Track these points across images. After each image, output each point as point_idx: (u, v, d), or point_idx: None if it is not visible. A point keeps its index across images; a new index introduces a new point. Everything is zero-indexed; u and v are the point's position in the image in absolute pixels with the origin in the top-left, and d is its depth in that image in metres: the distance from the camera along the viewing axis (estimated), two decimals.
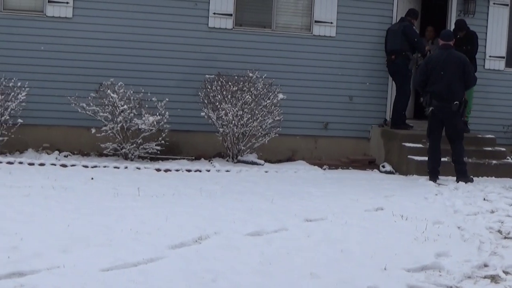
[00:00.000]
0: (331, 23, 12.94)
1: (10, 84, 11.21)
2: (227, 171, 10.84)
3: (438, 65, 10.92)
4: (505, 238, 7.43)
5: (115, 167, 10.51)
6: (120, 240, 6.06)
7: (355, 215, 7.95)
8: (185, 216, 7.22)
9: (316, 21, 12.90)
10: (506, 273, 6.11)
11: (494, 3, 13.77)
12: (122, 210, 7.34)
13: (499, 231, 7.67)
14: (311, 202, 8.63)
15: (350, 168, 12.33)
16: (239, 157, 11.66)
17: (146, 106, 11.36)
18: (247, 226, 6.94)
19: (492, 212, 8.66)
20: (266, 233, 6.78)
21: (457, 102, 10.76)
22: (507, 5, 13.83)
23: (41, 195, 7.92)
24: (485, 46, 13.68)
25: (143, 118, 11.13)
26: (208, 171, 10.81)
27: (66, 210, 7.13)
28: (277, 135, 11.89)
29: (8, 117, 11.07)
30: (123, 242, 6.01)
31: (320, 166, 12.11)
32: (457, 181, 10.80)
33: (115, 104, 11.03)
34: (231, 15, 12.51)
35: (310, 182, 10.35)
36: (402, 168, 11.81)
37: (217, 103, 11.47)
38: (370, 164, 12.73)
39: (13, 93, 11.12)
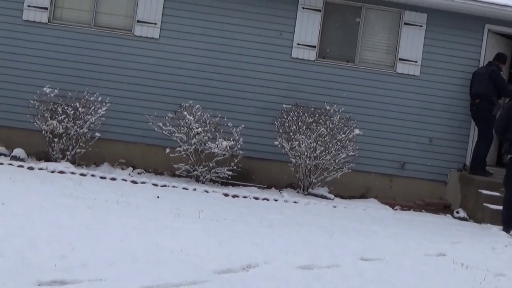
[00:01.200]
0: (416, 62, 12.78)
1: (92, 98, 11.54)
2: (295, 202, 10.78)
3: None
4: None
5: (183, 188, 10.61)
6: (168, 260, 6.09)
7: (414, 258, 7.78)
8: (240, 243, 7.20)
9: (400, 59, 12.77)
10: None
11: None
12: (179, 230, 7.39)
13: None
14: (372, 241, 8.47)
15: (423, 211, 12.06)
16: (309, 190, 11.58)
17: (222, 130, 11.47)
18: (300, 259, 6.87)
19: None
20: (318, 267, 6.69)
21: None
22: None
23: (104, 209, 8.07)
24: None
25: (217, 142, 11.23)
26: (276, 200, 10.77)
27: (123, 225, 7.23)
28: (350, 170, 11.76)
29: (87, 130, 11.39)
30: (170, 262, 6.03)
31: (392, 206, 11.91)
32: None
33: (191, 126, 11.19)
34: (314, 46, 12.52)
35: (377, 221, 10.17)
36: (477, 215, 11.48)
37: (292, 133, 11.46)
38: (444, 208, 12.41)
39: (93, 107, 11.42)
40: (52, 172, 10.50)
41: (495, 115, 12.23)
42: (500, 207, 10.85)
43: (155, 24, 12.21)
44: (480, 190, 11.68)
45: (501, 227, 10.61)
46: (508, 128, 10.72)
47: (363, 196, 12.49)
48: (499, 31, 13.21)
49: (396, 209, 11.80)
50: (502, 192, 11.06)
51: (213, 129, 11.38)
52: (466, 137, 12.91)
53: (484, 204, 11.38)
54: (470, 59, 12.95)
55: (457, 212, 11.74)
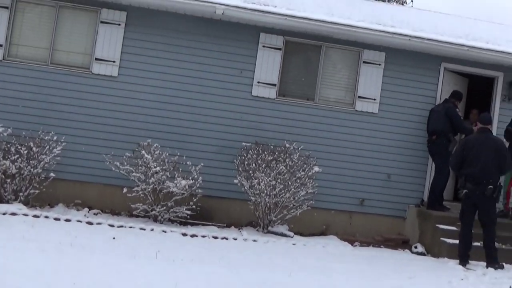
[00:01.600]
0: (374, 99, 12.97)
1: (47, 138, 11.43)
2: (254, 241, 10.79)
3: (474, 148, 10.83)
4: None
5: (141, 229, 10.51)
6: None
7: None
8: (196, 283, 7.20)
9: (359, 97, 12.95)
10: None
11: None
12: (134, 272, 7.36)
13: None
14: (331, 279, 8.52)
15: (382, 246, 12.15)
16: (269, 228, 11.61)
17: (180, 169, 11.46)
18: None
19: None
20: None
21: (491, 187, 10.61)
22: None
23: (57, 251, 7.98)
24: None
25: (176, 181, 11.23)
26: (235, 239, 10.77)
27: (76, 269, 7.17)
28: (310, 208, 11.82)
29: (41, 170, 11.24)
30: None
31: (352, 242, 11.98)
32: (487, 267, 10.55)
33: (149, 165, 11.17)
34: (275, 85, 12.65)
35: (336, 258, 10.23)
36: (434, 250, 11.59)
37: (251, 172, 11.51)
38: (403, 244, 12.52)
39: (48, 147, 11.32)
40: (4, 214, 10.28)
41: (451, 151, 12.41)
42: (457, 241, 10.97)
43: (114, 62, 12.23)
44: (437, 225, 11.81)
45: (458, 261, 10.73)
46: (463, 164, 10.92)
47: (323, 233, 12.55)
48: (454, 69, 13.50)
49: (356, 246, 11.87)
50: (459, 227, 11.19)
51: (171, 168, 11.38)
52: (424, 173, 13.10)
53: (441, 238, 11.50)
54: (427, 96, 13.19)
55: (415, 247, 11.85)
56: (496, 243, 10.90)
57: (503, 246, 11.41)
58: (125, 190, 11.35)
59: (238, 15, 12.19)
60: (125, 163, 11.37)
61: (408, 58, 13.11)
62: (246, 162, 11.66)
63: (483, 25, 15.97)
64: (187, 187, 11.26)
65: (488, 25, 16.09)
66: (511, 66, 13.34)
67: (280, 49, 12.69)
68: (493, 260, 10.65)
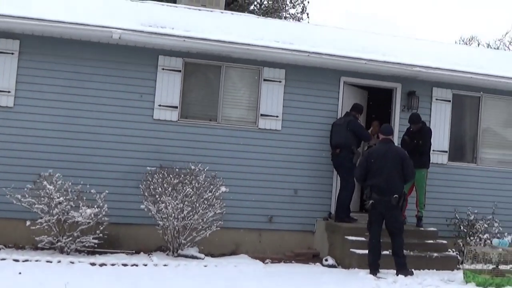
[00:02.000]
0: (277, 116, 13.04)
1: None
2: (165, 265, 10.62)
3: (377, 159, 11.05)
4: None
5: (47, 261, 10.15)
6: None
7: None
8: None
9: (262, 115, 13.00)
10: None
11: (436, 99, 14.06)
12: None
13: None
14: None
15: (293, 262, 12.19)
16: (179, 251, 11.46)
17: (85, 198, 11.18)
18: None
19: None
20: None
21: (396, 196, 10.83)
22: (450, 101, 14.12)
23: None
24: None
25: (81, 211, 10.95)
26: (145, 265, 10.57)
27: None
28: (219, 228, 11.73)
29: None
30: None
31: (263, 260, 11.97)
32: (397, 274, 10.76)
33: (51, 196, 10.87)
34: (176, 107, 12.55)
35: (248, 277, 10.18)
36: (345, 261, 11.71)
37: (158, 196, 11.36)
38: (314, 257, 12.61)
39: None
40: None
41: (355, 163, 12.60)
42: (366, 252, 11.12)
43: (9, 92, 11.83)
44: (346, 237, 11.94)
45: (368, 270, 10.87)
46: (368, 175, 11.10)
47: (233, 252, 12.49)
48: (354, 82, 13.75)
49: (267, 263, 11.87)
50: (367, 237, 11.35)
51: (75, 197, 11.08)
52: (330, 186, 13.26)
53: (351, 249, 11.63)
54: (328, 110, 13.37)
55: (326, 260, 11.95)
56: (404, 250, 11.11)
57: (411, 253, 11.66)
58: (28, 223, 10.99)
59: (136, 38, 12.07)
60: (27, 195, 11.00)
61: (308, 74, 13.27)
62: (152, 187, 11.50)
63: (380, 38, 16.39)
64: (92, 215, 11.00)
65: (384, 38, 16.52)
66: (408, 77, 13.71)
67: (180, 71, 12.62)
68: (403, 267, 10.86)
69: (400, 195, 10.93)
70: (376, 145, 11.96)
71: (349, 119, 12.83)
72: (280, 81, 13.12)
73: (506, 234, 13.20)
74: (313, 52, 12.86)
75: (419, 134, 13.03)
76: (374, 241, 11.00)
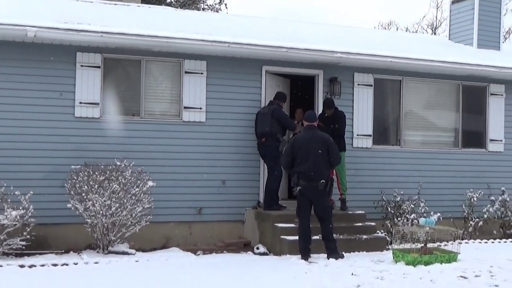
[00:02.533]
0: (201, 108, 12.99)
1: None
2: (96, 263, 10.45)
3: (303, 146, 11.12)
4: None
5: None
6: None
7: None
8: None
9: (185, 107, 12.92)
10: None
11: (358, 84, 14.23)
12: None
13: None
14: None
15: (224, 252, 12.22)
16: (109, 248, 11.31)
17: (9, 200, 10.88)
18: None
19: (358, 286, 8.75)
20: None
21: (323, 181, 10.93)
22: (371, 85, 14.32)
23: None
24: (352, 125, 14.06)
25: (5, 213, 10.68)
26: (76, 264, 10.38)
27: None
28: (149, 223, 11.62)
29: None
30: None
31: (195, 252, 11.95)
32: (328, 258, 10.87)
33: None
34: (98, 104, 12.37)
35: (181, 269, 10.12)
36: (276, 248, 11.76)
37: (84, 194, 11.16)
38: (245, 246, 12.65)
39: None
40: None
41: (281, 151, 12.66)
42: (297, 238, 11.19)
43: None
44: (275, 224, 12.00)
45: (299, 256, 10.94)
46: (294, 162, 11.16)
47: (164, 246, 12.42)
48: (276, 71, 13.80)
49: (199, 254, 11.85)
50: (297, 223, 11.42)
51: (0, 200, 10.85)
52: (257, 175, 13.31)
53: (281, 236, 11.69)
54: (252, 100, 13.39)
55: (257, 248, 11.98)
56: (334, 234, 11.23)
57: (341, 236, 11.81)
58: None
59: (51, 36, 11.80)
60: None
61: (229, 64, 13.26)
62: (78, 185, 11.28)
63: (301, 26, 16.52)
64: (18, 217, 10.73)
65: (305, 26, 16.65)
66: (329, 63, 13.83)
67: (99, 67, 12.43)
68: (334, 251, 10.99)
69: (327, 180, 11.05)
70: (301, 132, 12.03)
71: (273, 108, 12.87)
72: (202, 73, 13.06)
73: (432, 213, 13.42)
74: (233, 43, 12.83)
75: (334, 119, 13.17)
76: (304, 227, 11.07)
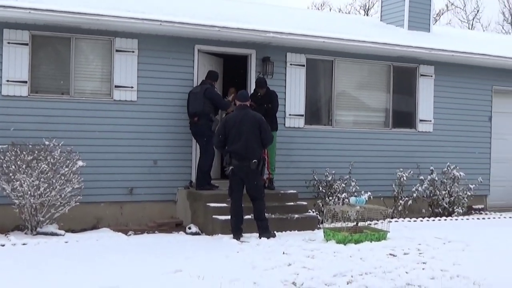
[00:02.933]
0: (132, 87, 12.82)
1: None
2: (24, 244, 10.22)
3: (235, 125, 11.10)
4: None
5: None
6: None
7: (152, 279, 7.74)
8: None
9: (116, 86, 12.73)
10: None
11: (291, 64, 14.25)
12: None
13: (294, 283, 7.76)
14: (108, 271, 8.28)
15: (156, 232, 12.15)
16: (38, 229, 11.11)
17: None
18: None
19: (290, 265, 8.75)
20: None
21: (256, 161, 10.93)
22: (304, 65, 14.35)
23: None
24: (285, 105, 14.08)
25: None
26: (3, 245, 10.13)
27: None
28: (79, 203, 11.46)
29: None
30: None
31: (126, 232, 11.84)
32: (260, 237, 10.91)
33: None
34: (26, 82, 12.08)
35: (112, 250, 9.98)
36: (208, 228, 11.73)
37: (11, 174, 10.92)
38: (177, 226, 12.59)
39: None
40: None
41: (214, 131, 12.62)
42: (229, 217, 11.19)
43: None
44: (208, 204, 11.96)
45: (231, 235, 10.94)
46: (227, 142, 11.12)
47: (94, 227, 12.27)
48: (209, 50, 13.71)
49: (130, 235, 11.74)
50: (229, 203, 11.41)
51: None
52: (189, 155, 13.23)
53: (213, 216, 11.66)
54: (184, 79, 13.27)
55: (189, 228, 11.94)
56: (266, 214, 11.26)
57: (273, 216, 11.84)
58: None
59: None
60: None
61: (161, 43, 13.10)
62: (5, 165, 11.02)
63: (235, 5, 16.46)
64: None
65: (239, 5, 16.59)
66: (262, 43, 13.81)
67: (27, 44, 12.11)
68: (265, 230, 11.02)
69: (259, 160, 11.06)
70: (233, 111, 11.99)
71: (206, 87, 12.78)
72: (133, 51, 12.88)
73: (363, 192, 13.59)
74: (165, 21, 12.68)
75: (266, 98, 13.17)
76: (236, 206, 11.08)
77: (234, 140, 11.06)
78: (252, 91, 13.53)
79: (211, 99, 12.66)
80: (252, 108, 12.07)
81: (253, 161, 10.96)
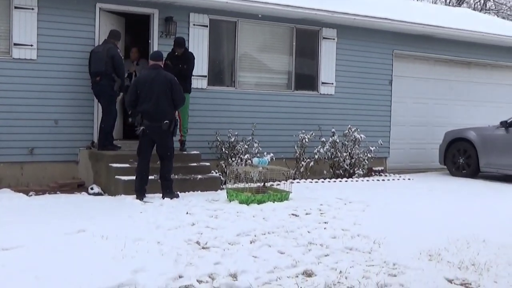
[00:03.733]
0: (32, 45, 12.50)
1: None
2: None
3: (146, 85, 11.06)
4: (202, 248, 7.62)
5: None
6: None
7: (55, 239, 7.68)
8: None
9: (15, 44, 12.38)
10: (199, 281, 6.26)
11: (194, 24, 14.19)
12: None
13: (197, 242, 7.85)
14: (10, 231, 8.15)
15: (58, 192, 11.98)
16: None
17: None
18: None
19: (193, 224, 8.85)
20: None
21: (167, 121, 10.94)
22: (207, 26, 14.32)
23: None
24: None
25: None
26: None
27: None
28: None
29: None
30: None
31: (27, 193, 11.63)
32: (163, 197, 10.96)
33: None
34: None
35: (12, 211, 9.81)
36: (111, 189, 11.68)
37: None
38: (79, 187, 12.47)
39: None
40: None
41: (116, 91, 12.50)
42: (132, 178, 11.19)
43: None
44: (110, 164, 11.89)
45: (135, 196, 10.95)
46: (138, 102, 11.07)
47: None
48: (110, 9, 13.47)
49: (31, 195, 11.54)
50: (132, 164, 11.42)
51: None
52: (91, 115, 13.04)
53: (116, 177, 11.61)
54: (86, 38, 13.01)
55: (92, 189, 11.87)
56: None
57: (176, 176, 11.86)
58: None
59: None
60: None
61: (62, 0, 12.79)
62: None
63: None
64: None
65: None
66: (165, 2, 13.68)
67: None
68: (170, 191, 11.08)
69: (171, 121, 11.06)
70: (145, 70, 11.88)
71: (109, 47, 12.59)
72: (32, 9, 12.51)
73: (265, 153, 13.76)
74: None
75: (183, 59, 13.11)
76: (143, 167, 11.08)
77: (145, 100, 11.01)
78: (153, 51, 13.38)
79: (112, 59, 12.49)
80: (167, 68, 12.03)
81: (165, 122, 10.96)
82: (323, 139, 15.24)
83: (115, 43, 12.79)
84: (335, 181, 14.70)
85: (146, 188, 11.06)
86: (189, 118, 13.59)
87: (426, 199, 12.44)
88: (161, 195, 11.08)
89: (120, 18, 14.12)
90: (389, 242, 8.15)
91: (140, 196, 10.90)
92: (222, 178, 12.81)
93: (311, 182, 14.28)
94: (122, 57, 13.04)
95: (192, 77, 13.64)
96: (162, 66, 11.56)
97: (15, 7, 12.39)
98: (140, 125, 11.08)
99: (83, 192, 11.91)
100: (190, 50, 13.86)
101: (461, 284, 6.62)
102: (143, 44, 14.17)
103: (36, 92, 12.55)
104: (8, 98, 12.31)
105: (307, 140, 14.83)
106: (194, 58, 13.38)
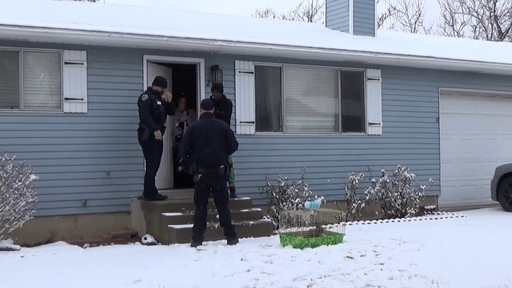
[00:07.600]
0: (82, 99, 12.78)
1: None
2: None
3: (202, 134, 11.26)
4: None
5: None
6: None
7: None
8: None
9: (66, 98, 12.67)
10: None
11: (239, 72, 14.36)
12: None
13: None
14: (69, 283, 8.27)
15: (112, 243, 12.09)
16: None
17: None
18: None
19: (249, 271, 8.82)
20: None
21: (223, 166, 11.21)
22: (252, 72, 14.48)
23: None
24: (235, 113, 14.12)
25: None
26: None
27: None
28: (33, 217, 11.37)
29: None
30: None
31: (81, 245, 11.78)
32: (229, 244, 11.09)
33: None
34: None
35: (69, 263, 9.94)
36: (164, 238, 11.76)
37: None
38: (132, 237, 12.56)
39: None
40: None
41: (145, 141, 12.45)
42: (184, 226, 11.37)
43: None
44: (163, 214, 12.00)
45: (189, 244, 11.01)
46: (193, 150, 11.27)
47: (49, 240, 12.17)
48: (158, 60, 13.73)
49: (86, 247, 11.68)
50: (184, 212, 11.53)
51: None
52: (142, 165, 13.11)
53: (169, 225, 11.69)
54: (134, 90, 13.20)
55: (145, 238, 11.95)
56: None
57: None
58: None
59: None
60: None
61: (110, 54, 13.08)
62: None
63: (179, 14, 16.52)
64: None
65: (184, 14, 16.65)
66: (210, 51, 13.89)
67: None
68: (234, 236, 11.25)
69: (225, 166, 11.31)
70: (198, 120, 12.06)
71: (139, 97, 12.61)
72: (82, 63, 12.84)
73: (316, 196, 13.72)
74: (113, 32, 12.69)
75: (221, 105, 13.19)
76: (202, 214, 11.21)
77: (201, 148, 11.21)
78: (200, 99, 13.51)
79: (138, 107, 12.55)
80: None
81: (221, 167, 11.15)
82: (373, 179, 15.17)
83: (157, 90, 12.73)
84: (387, 222, 14.59)
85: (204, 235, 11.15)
86: (238, 164, 13.65)
87: (480, 236, 12.26)
88: (213, 242, 11.12)
89: (167, 69, 14.36)
90: (448, 282, 8.03)
91: (198, 243, 10.98)
92: (274, 223, 12.81)
93: (363, 223, 14.21)
94: (160, 102, 12.77)
95: (240, 123, 13.75)
96: (213, 114, 11.73)
97: (65, 63, 12.71)
98: (196, 173, 11.21)
99: (136, 242, 12.01)
100: (236, 96, 14.06)
101: None
102: (190, 93, 14.34)
103: (87, 145, 12.78)
104: (60, 152, 12.56)
105: (357, 181, 14.77)
106: (231, 105, 13.54)
